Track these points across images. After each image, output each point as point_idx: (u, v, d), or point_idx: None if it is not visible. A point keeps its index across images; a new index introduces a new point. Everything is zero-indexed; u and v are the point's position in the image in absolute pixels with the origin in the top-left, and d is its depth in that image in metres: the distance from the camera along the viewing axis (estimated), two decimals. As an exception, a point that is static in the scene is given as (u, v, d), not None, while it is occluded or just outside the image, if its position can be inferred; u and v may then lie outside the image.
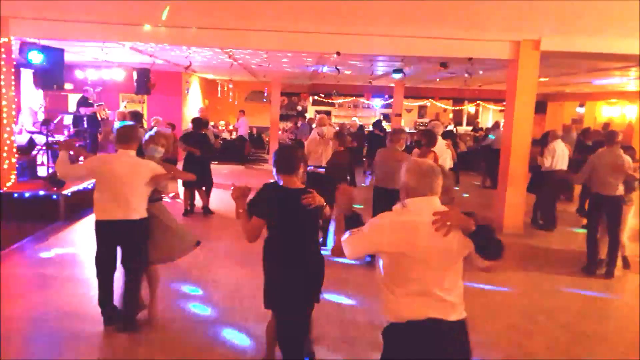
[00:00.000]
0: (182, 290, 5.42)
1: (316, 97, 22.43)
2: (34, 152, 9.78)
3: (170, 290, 5.31)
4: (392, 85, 18.12)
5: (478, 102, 22.50)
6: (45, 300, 5.06)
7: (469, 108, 23.04)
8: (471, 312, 2.54)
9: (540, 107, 18.42)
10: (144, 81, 12.37)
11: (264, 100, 21.31)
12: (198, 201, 9.13)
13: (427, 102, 22.09)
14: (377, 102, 22.53)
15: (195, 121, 9.22)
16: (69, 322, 4.57)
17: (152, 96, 13.65)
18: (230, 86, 19.36)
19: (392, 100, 19.42)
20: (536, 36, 8.04)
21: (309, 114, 21.03)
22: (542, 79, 12.55)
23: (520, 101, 8.34)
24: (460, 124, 22.43)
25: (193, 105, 17.97)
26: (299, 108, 21.95)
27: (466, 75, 10.85)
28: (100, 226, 4.27)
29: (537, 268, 6.74)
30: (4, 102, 7.95)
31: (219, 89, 19.34)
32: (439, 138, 8.28)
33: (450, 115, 22.83)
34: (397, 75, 11.95)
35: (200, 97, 19.74)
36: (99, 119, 11.41)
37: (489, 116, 22.98)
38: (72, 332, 4.40)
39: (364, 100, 22.44)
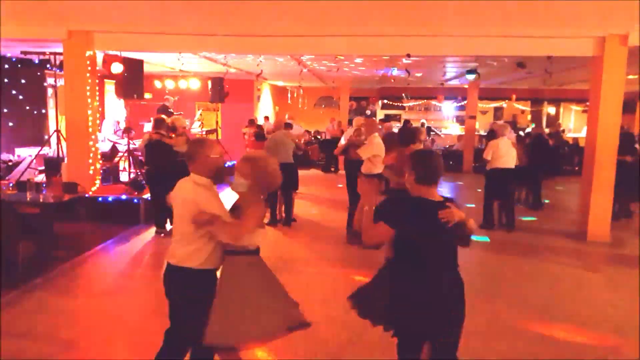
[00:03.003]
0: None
1: (385, 101, 22.20)
2: (117, 159, 10.40)
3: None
4: (466, 86, 17.53)
5: (559, 102, 21.23)
6: (126, 299, 5.33)
7: (549, 109, 21.80)
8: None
9: (629, 106, 17.04)
10: (218, 90, 12.81)
11: (333, 105, 21.39)
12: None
13: (503, 104, 21.15)
14: (450, 104, 21.89)
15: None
16: (148, 320, 4.76)
17: (225, 104, 14.10)
18: (301, 92, 19.60)
19: (465, 102, 18.79)
20: (623, 30, 7.42)
21: (378, 118, 20.83)
22: (630, 77, 11.59)
23: (605, 101, 7.72)
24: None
25: (264, 112, 18.35)
26: (368, 112, 21.81)
27: (547, 75, 10.24)
28: None
29: (626, 279, 6.20)
30: (89, 112, 8.52)
31: (289, 95, 19.64)
32: (505, 137, 8.22)
33: (529, 117, 21.74)
34: (471, 76, 11.54)
35: (271, 104, 20.15)
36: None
37: (570, 117, 21.61)
38: (150, 330, 4.56)
39: (435, 103, 21.90)
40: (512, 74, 13.26)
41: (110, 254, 6.91)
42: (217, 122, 14.88)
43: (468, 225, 2.87)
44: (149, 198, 8.19)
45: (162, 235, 7.67)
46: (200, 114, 14.53)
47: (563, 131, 18.76)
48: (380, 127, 10.01)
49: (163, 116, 8.41)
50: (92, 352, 4.16)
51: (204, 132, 14.13)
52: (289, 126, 9.35)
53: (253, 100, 17.21)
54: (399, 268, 3.05)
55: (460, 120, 21.45)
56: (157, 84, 15.07)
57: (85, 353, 4.14)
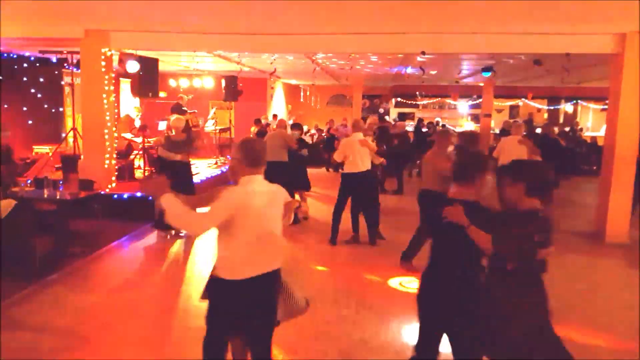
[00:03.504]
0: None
1: (399, 99, 22.08)
2: (132, 157, 10.49)
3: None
4: (481, 84, 17.36)
5: (577, 100, 20.92)
6: (140, 296, 5.37)
7: (566, 107, 21.50)
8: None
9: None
10: (232, 88, 12.84)
11: (346, 103, 21.32)
12: None
13: (519, 102, 20.91)
14: (465, 103, 21.70)
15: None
16: (161, 317, 4.79)
17: (239, 102, 14.13)
18: (308, 92, 19.58)
19: (481, 100, 18.61)
20: (645, 27, 7.28)
21: (391, 116, 20.76)
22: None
23: (625, 99, 7.57)
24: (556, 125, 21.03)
25: (277, 110, 18.37)
26: (381, 110, 21.73)
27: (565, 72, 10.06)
28: (243, 286, 2.93)
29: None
30: (105, 110, 8.58)
31: (302, 93, 19.64)
32: (513, 135, 8.43)
33: (545, 115, 21.46)
34: (486, 74, 11.42)
35: (283, 102, 20.16)
36: (190, 125, 11.98)
37: (588, 116, 21.29)
38: (164, 327, 4.60)
39: (450, 101, 21.73)
40: (528, 72, 13.09)
41: (125, 251, 6.97)
42: (230, 121, 14.92)
43: (469, 233, 2.80)
44: None
45: (168, 237, 7.57)
46: (214, 113, 14.59)
47: (581, 130, 18.52)
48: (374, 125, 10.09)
49: (175, 116, 8.37)
50: (107, 348, 4.20)
51: (217, 131, 14.19)
52: (295, 127, 9.50)
53: (266, 99, 17.22)
54: (428, 263, 3.17)
55: (475, 118, 21.26)
56: (172, 82, 15.18)
57: (99, 348, 4.18)
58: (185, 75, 15.22)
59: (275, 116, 16.87)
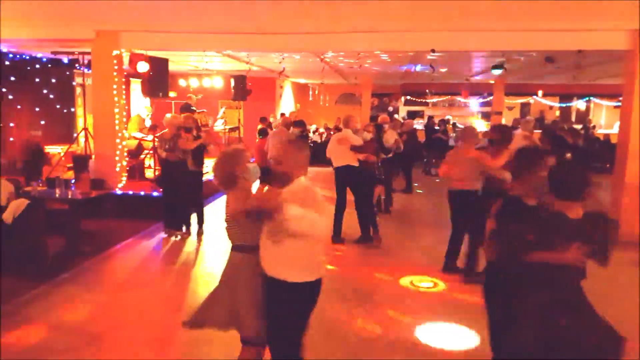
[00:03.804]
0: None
1: (408, 97, 21.98)
2: (142, 156, 10.55)
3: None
4: (492, 81, 17.23)
5: (589, 98, 20.67)
6: (151, 295, 5.39)
7: (579, 105, 21.26)
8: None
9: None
10: (241, 88, 12.87)
11: (355, 102, 21.27)
12: None
13: (531, 99, 20.71)
14: (475, 100, 21.54)
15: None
16: (171, 316, 4.80)
17: (247, 102, 14.15)
18: (316, 91, 19.58)
19: (491, 97, 18.47)
20: (658, 22, 7.17)
21: (400, 114, 20.68)
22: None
23: (639, 96, 7.47)
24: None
25: (286, 109, 18.36)
26: (390, 109, 21.64)
27: (577, 69, 9.96)
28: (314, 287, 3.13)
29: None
30: (116, 110, 8.65)
31: (310, 92, 19.63)
32: (518, 131, 8.46)
33: (557, 113, 21.23)
34: (497, 72, 11.33)
35: (292, 101, 20.15)
36: (200, 124, 12.01)
37: (601, 113, 21.03)
38: (173, 326, 4.61)
39: (460, 99, 21.58)
40: (540, 69, 12.96)
41: (136, 250, 7.00)
42: (239, 120, 14.94)
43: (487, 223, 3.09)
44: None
45: (179, 237, 7.53)
46: (223, 112, 14.63)
47: (594, 127, 18.31)
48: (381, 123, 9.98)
49: (170, 114, 8.33)
50: (117, 346, 4.22)
51: (226, 130, 14.23)
52: (297, 125, 9.58)
53: (275, 98, 17.23)
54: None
55: (485, 116, 21.11)
56: (182, 82, 15.24)
57: (109, 346, 4.21)
58: (195, 75, 15.28)
59: (282, 115, 16.89)
